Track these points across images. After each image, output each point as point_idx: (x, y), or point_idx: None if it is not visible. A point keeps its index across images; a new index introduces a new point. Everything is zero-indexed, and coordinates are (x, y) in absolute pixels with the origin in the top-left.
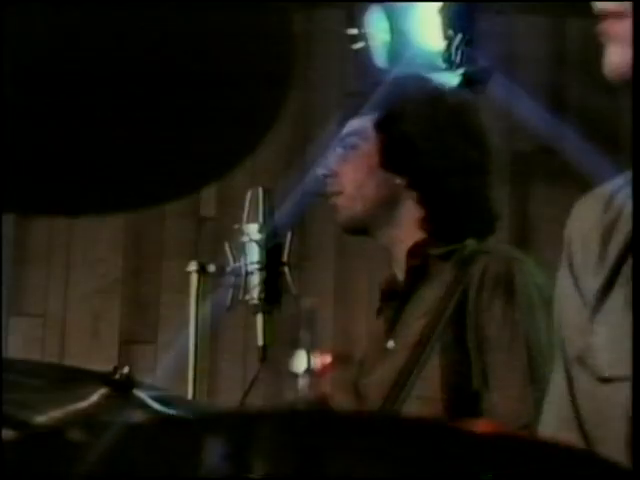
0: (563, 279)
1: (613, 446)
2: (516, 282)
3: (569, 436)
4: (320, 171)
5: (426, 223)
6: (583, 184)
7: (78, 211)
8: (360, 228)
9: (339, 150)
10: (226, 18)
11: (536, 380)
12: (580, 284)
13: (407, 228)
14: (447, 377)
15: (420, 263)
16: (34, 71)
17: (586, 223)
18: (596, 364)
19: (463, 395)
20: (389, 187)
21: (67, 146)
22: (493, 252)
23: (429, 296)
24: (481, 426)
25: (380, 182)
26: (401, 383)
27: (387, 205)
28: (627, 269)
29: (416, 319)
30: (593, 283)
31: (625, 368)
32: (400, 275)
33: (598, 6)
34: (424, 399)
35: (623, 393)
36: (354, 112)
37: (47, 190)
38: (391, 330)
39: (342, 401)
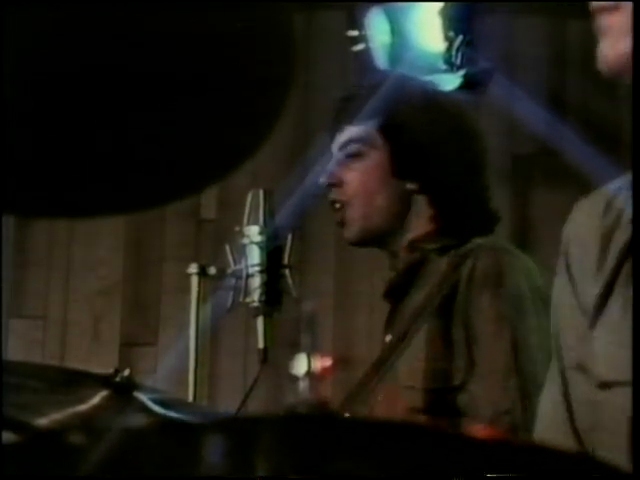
0: (560, 285)
1: (613, 451)
2: (505, 275)
3: (564, 442)
4: (323, 179)
5: (432, 222)
6: (583, 186)
7: (78, 213)
8: (372, 240)
9: (341, 157)
10: (226, 19)
11: (520, 370)
12: (579, 289)
13: (415, 230)
14: (431, 368)
15: (417, 258)
16: (35, 72)
17: (585, 226)
18: (596, 369)
19: (445, 386)
20: (400, 193)
21: (67, 147)
22: (487, 246)
23: (425, 290)
24: (480, 432)
25: (391, 189)
26: (376, 369)
27: (399, 211)
28: (626, 274)
29: (410, 312)
30: (592, 288)
31: (625, 373)
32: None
33: (593, 4)
34: (408, 388)
35: (623, 398)
36: (348, 117)
37: (47, 192)
38: (389, 325)
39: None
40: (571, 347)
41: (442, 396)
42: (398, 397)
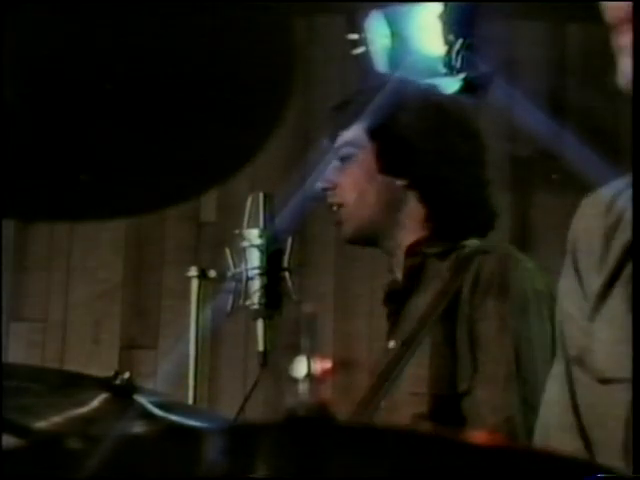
0: (567, 278)
1: (610, 447)
2: (510, 281)
3: (566, 435)
4: (319, 185)
5: (428, 222)
6: (583, 189)
7: (79, 216)
8: (367, 237)
9: (335, 162)
10: (227, 24)
11: (522, 375)
12: (583, 283)
13: (410, 228)
14: (436, 374)
15: (417, 262)
16: (35, 74)
17: (590, 222)
18: (595, 365)
19: (450, 393)
20: (390, 190)
21: (67, 151)
22: (491, 251)
23: (427, 295)
24: (479, 437)
25: (381, 187)
26: (384, 377)
27: (390, 208)
28: (627, 271)
29: (414, 318)
30: (595, 283)
31: (623, 370)
32: (400, 277)
33: (609, 16)
34: (412, 395)
35: (621, 394)
36: (343, 124)
37: (47, 195)
38: (392, 331)
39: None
40: (573, 339)
41: (448, 403)
42: (403, 405)
